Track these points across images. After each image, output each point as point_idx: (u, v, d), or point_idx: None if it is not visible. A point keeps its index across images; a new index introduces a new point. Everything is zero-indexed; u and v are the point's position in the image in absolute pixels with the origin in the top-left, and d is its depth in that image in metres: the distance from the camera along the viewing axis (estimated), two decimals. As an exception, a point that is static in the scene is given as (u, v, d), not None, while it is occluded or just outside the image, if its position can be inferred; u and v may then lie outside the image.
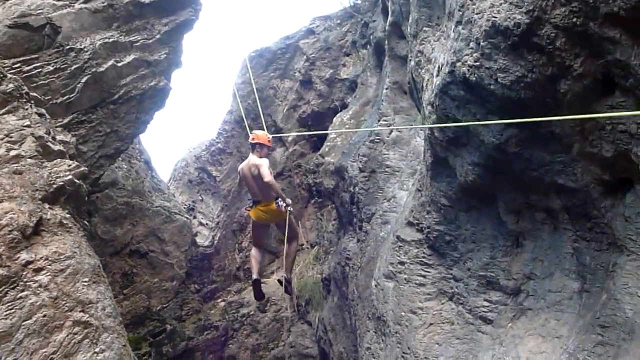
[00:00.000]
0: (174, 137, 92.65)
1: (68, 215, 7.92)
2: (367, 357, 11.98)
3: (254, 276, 13.41)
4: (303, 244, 17.35)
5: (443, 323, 10.17)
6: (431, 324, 10.29)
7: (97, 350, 7.22)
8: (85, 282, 7.43)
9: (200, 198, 25.65)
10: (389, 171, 14.14)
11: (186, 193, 25.71)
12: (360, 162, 14.73)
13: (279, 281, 13.67)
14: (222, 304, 21.30)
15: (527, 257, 9.37)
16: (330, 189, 17.40)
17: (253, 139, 13.64)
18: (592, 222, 8.26)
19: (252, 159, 13.35)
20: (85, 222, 8.53)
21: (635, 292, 7.69)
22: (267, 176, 12.71)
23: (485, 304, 9.70)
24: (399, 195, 13.43)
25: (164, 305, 20.49)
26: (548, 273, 9.07)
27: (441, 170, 10.22)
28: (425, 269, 10.67)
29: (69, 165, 8.76)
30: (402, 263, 11.04)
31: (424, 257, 10.76)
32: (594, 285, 8.33)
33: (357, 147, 15.30)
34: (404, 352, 10.48)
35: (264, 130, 14.64)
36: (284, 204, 12.88)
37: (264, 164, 12.99)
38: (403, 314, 10.67)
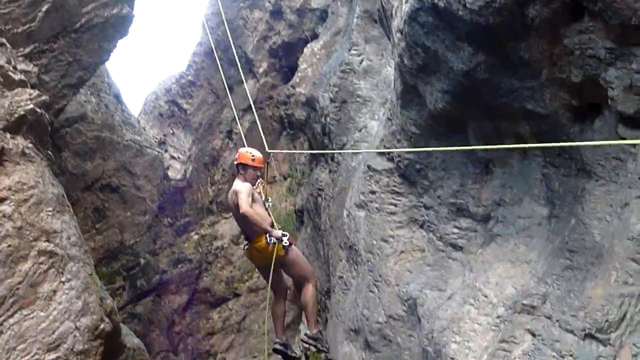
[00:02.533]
0: (144, 71, 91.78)
1: (30, 145, 7.82)
2: (339, 285, 12.06)
3: (275, 340, 11.36)
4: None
5: (414, 250, 10.23)
6: (402, 251, 10.35)
7: (63, 279, 7.20)
8: (50, 211, 7.36)
9: (171, 131, 25.47)
10: (360, 101, 14.06)
11: (157, 127, 25.50)
12: (332, 92, 14.63)
13: (303, 341, 11.50)
14: (196, 237, 21.31)
15: (497, 183, 9.39)
16: (301, 120, 17.34)
17: (236, 159, 11.60)
18: (560, 148, 8.28)
19: (235, 184, 11.30)
20: (49, 152, 8.43)
21: (603, 217, 7.74)
22: (244, 206, 10.57)
23: (455, 231, 9.75)
24: (370, 125, 13.38)
25: (137, 240, 20.48)
26: (517, 199, 9.10)
27: (411, 99, 10.17)
28: (396, 198, 10.68)
29: (31, 95, 8.61)
30: (373, 192, 11.05)
31: (394, 186, 10.76)
32: (563, 210, 8.37)
33: (328, 78, 15.19)
34: (375, 280, 10.55)
35: (255, 147, 12.31)
36: (273, 239, 10.77)
37: (242, 190, 10.85)
38: (374, 242, 10.71)
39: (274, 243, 10.75)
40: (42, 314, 6.97)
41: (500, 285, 8.59)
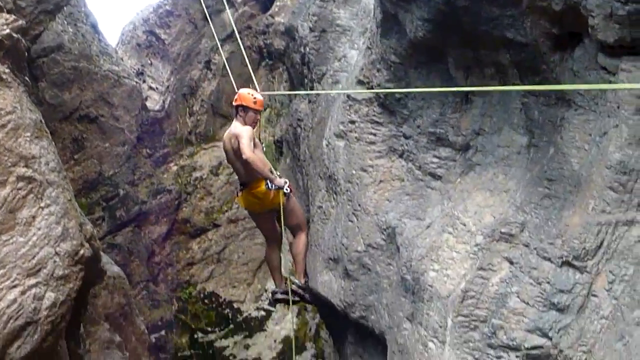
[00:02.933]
0: (121, 1, 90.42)
1: (7, 70, 7.71)
2: (319, 215, 12.09)
3: (272, 288, 11.41)
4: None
5: (393, 180, 10.25)
6: (381, 181, 10.36)
7: (42, 205, 7.19)
8: (28, 137, 7.30)
9: (149, 62, 25.22)
10: (340, 30, 13.92)
11: (135, 57, 25.24)
12: (311, 21, 14.48)
13: (291, 291, 11.22)
14: (175, 168, 21.27)
15: (476, 113, 9.38)
16: (280, 50, 17.23)
17: (235, 100, 11.05)
18: (540, 77, 8.26)
19: (234, 127, 10.86)
20: (26, 79, 8.32)
21: (582, 146, 7.77)
22: (247, 151, 10.26)
23: (435, 160, 9.75)
24: (350, 55, 13.28)
25: (116, 170, 20.42)
26: (497, 128, 9.11)
27: (391, 27, 10.09)
28: (376, 127, 10.66)
29: (7, 20, 8.46)
30: (352, 122, 11.01)
31: (374, 116, 10.73)
32: (542, 139, 8.40)
33: (307, 7, 15.02)
34: (354, 210, 10.58)
35: (249, 87, 12.08)
36: (275, 186, 10.68)
37: (243, 134, 10.48)
38: (354, 172, 10.72)
39: (276, 190, 10.62)
40: (21, 239, 6.97)
41: (479, 214, 8.64)
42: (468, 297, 7.97)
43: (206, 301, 18.97)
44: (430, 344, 8.51)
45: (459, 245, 8.67)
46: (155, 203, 20.16)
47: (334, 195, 11.46)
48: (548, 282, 7.44)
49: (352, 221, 10.55)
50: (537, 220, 7.86)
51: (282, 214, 10.79)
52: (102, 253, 9.82)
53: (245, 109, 10.84)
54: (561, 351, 7.16)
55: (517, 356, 7.44)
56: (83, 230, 7.84)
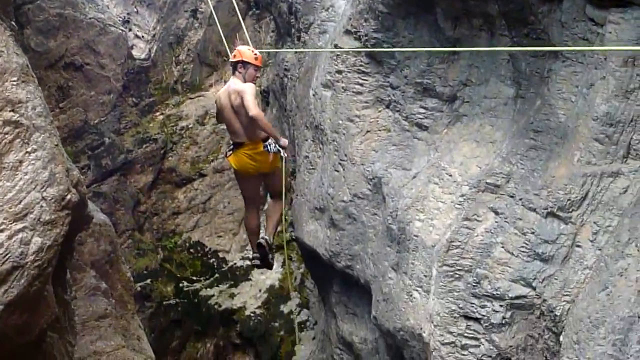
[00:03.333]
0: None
1: (-7, 15, 7.65)
2: (305, 165, 12.10)
3: (253, 255, 10.52)
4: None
5: (380, 130, 10.25)
6: (368, 131, 10.36)
7: (29, 149, 7.15)
8: (14, 81, 7.24)
9: (135, 10, 24.99)
10: (328, -21, 13.82)
11: (120, 5, 24.95)
12: (298, -30, 14.38)
13: (259, 244, 10.39)
14: (161, 117, 21.20)
15: (464, 63, 9.38)
16: (267, -1, 17.08)
17: (234, 56, 10.24)
18: (528, 28, 8.26)
19: (233, 83, 10.07)
20: (12, 23, 8.22)
21: (568, 98, 7.81)
22: (253, 108, 9.55)
23: (422, 110, 9.76)
24: (337, 4, 13.17)
25: (102, 119, 20.36)
26: (484, 79, 9.12)
27: (379, -24, 10.03)
28: (363, 77, 10.61)
29: (-9, -36, 8.37)
30: (339, 72, 10.97)
31: (361, 66, 10.68)
32: (529, 91, 8.42)
33: (295, -45, 14.89)
34: (341, 159, 10.60)
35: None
36: (277, 147, 9.89)
37: (248, 91, 9.77)
38: (340, 122, 10.71)
39: (275, 152, 9.91)
40: (8, 184, 6.94)
41: (465, 165, 8.68)
42: (453, 247, 8.04)
43: (191, 250, 19.03)
44: (415, 293, 8.59)
45: (444, 195, 8.72)
46: (140, 152, 20.11)
47: (321, 145, 11.46)
48: (533, 233, 7.52)
49: (338, 171, 10.57)
50: (522, 171, 7.91)
51: (271, 177, 10.28)
52: (88, 201, 9.81)
53: (246, 65, 10.08)
54: (545, 301, 7.26)
55: (501, 305, 7.53)
56: (70, 175, 7.81)
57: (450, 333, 7.83)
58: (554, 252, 7.33)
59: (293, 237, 15.80)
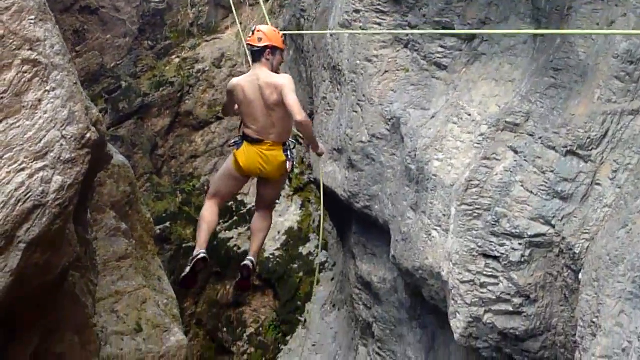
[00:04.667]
0: None
1: (8, -48, 7.59)
2: (323, 106, 12.07)
3: (198, 251, 8.98)
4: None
5: (398, 70, 10.19)
6: (386, 71, 10.30)
7: (47, 88, 7.14)
8: (32, 19, 7.21)
9: (150, -48, 24.81)
10: None
11: (136, -53, 24.79)
12: None
13: (245, 266, 9.17)
14: (177, 60, 21.08)
15: (483, 2, 9.30)
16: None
17: (260, 39, 8.78)
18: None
19: (264, 74, 8.72)
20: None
21: (589, 36, 7.74)
22: (300, 112, 8.46)
23: (440, 50, 9.69)
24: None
25: (118, 62, 20.31)
26: (503, 18, 9.05)
27: None
28: (381, 17, 10.52)
29: None
30: (357, 11, 10.86)
31: (379, 5, 10.57)
32: (549, 29, 8.34)
33: None
34: (359, 100, 10.56)
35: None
36: (294, 154, 9.03)
37: (289, 86, 8.60)
38: (358, 62, 10.65)
39: (292, 160, 8.93)
40: (27, 123, 6.95)
41: (484, 104, 8.65)
42: (472, 186, 8.03)
43: (210, 193, 19.12)
44: (434, 233, 8.62)
45: (463, 135, 8.70)
46: (157, 95, 20.05)
47: (338, 86, 11.42)
48: (552, 171, 7.51)
49: (356, 112, 10.54)
50: (542, 109, 7.87)
51: (271, 186, 9.35)
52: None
53: (274, 50, 8.83)
54: (564, 239, 7.27)
55: (519, 244, 7.54)
56: (89, 114, 7.82)
57: (469, 271, 7.86)
58: (573, 191, 7.33)
59: (311, 179, 15.86)
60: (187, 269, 8.86)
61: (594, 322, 6.23)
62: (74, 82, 7.55)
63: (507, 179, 7.83)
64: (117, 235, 12.01)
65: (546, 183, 7.51)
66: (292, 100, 8.49)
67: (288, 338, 16.69)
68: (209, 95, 20.04)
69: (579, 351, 6.43)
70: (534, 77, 8.21)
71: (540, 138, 7.73)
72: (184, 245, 18.21)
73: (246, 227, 18.13)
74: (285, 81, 8.68)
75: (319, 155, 9.47)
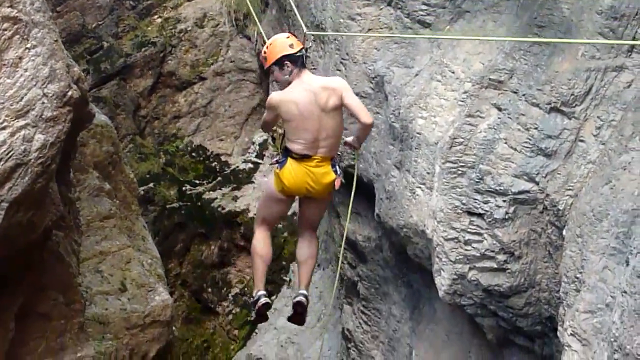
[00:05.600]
0: None
1: None
2: (307, 65, 11.97)
3: (259, 293, 8.46)
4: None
5: (381, 28, 10.10)
6: (370, 29, 10.23)
7: (28, 45, 7.07)
8: (10, -26, 7.18)
9: None
10: None
11: None
12: None
13: (298, 303, 8.46)
14: (159, 20, 20.88)
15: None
16: None
17: (291, 45, 8.34)
18: None
19: (314, 78, 8.47)
20: None
21: (574, -6, 7.71)
22: (367, 113, 8.27)
23: (424, 7, 9.59)
24: None
25: (99, 23, 20.10)
26: (488, -26, 8.99)
27: None
28: (365, -26, 10.43)
29: None
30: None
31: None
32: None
33: None
34: (342, 59, 10.50)
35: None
36: (341, 170, 8.48)
37: (348, 87, 8.34)
38: (341, 20, 10.56)
39: (340, 177, 8.36)
40: (8, 81, 6.91)
41: (468, 61, 8.61)
42: (456, 144, 8.03)
43: (193, 154, 19.02)
44: (418, 191, 8.63)
45: (447, 92, 8.67)
46: (140, 56, 19.88)
47: (322, 45, 11.35)
48: (536, 128, 7.51)
49: (340, 70, 10.48)
50: (526, 66, 7.86)
51: (316, 206, 8.78)
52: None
53: (305, 53, 8.59)
54: (548, 195, 7.29)
55: (504, 201, 7.57)
56: (70, 71, 7.75)
57: (454, 229, 7.88)
58: (557, 147, 7.34)
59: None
60: (253, 316, 8.80)
61: (577, 278, 6.27)
62: (55, 39, 7.48)
63: (491, 136, 7.83)
64: (100, 195, 11.97)
65: (530, 140, 7.51)
66: (357, 102, 8.28)
67: (273, 298, 16.74)
68: (191, 56, 19.90)
69: (563, 307, 6.48)
70: (518, 34, 8.18)
71: (524, 95, 7.72)
72: (167, 206, 18.20)
73: (230, 188, 18.15)
74: (343, 82, 8.42)
75: (356, 149, 9.02)
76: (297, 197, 8.82)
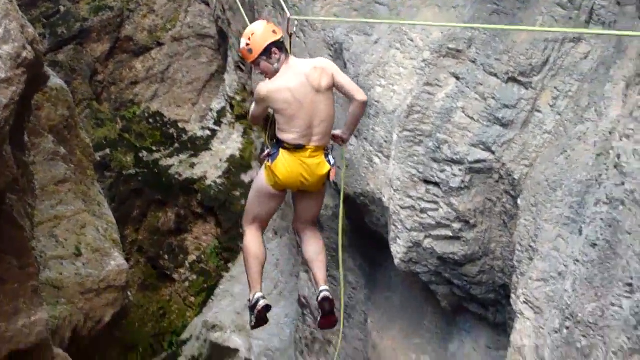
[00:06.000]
0: None
1: None
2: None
3: (257, 295, 8.29)
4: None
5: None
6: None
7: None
8: None
9: None
10: None
11: None
12: None
13: (326, 299, 8.36)
14: (117, -16, 20.67)
15: None
16: None
17: (274, 32, 8.11)
18: None
19: (301, 62, 8.38)
20: None
21: (532, -38, 7.73)
22: (360, 89, 8.20)
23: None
24: None
25: (56, -15, 19.80)
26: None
27: None
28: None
29: None
30: None
31: None
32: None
33: None
34: (302, 26, 10.40)
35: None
36: (334, 159, 8.38)
37: (336, 67, 8.28)
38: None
39: (334, 166, 8.30)
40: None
41: (427, 30, 8.61)
42: (414, 112, 8.05)
43: (151, 120, 18.85)
44: (376, 159, 8.66)
45: (406, 61, 8.67)
46: (97, 20, 19.57)
47: (281, 12, 11.27)
48: (493, 98, 7.55)
49: (299, 37, 10.43)
50: (484, 36, 7.88)
51: (312, 199, 8.69)
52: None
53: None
54: (504, 164, 7.35)
55: (460, 170, 7.61)
56: (25, 32, 7.60)
57: (410, 197, 7.92)
58: (513, 117, 7.39)
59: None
60: (253, 321, 8.35)
61: (531, 247, 6.34)
62: (9, -1, 7.35)
63: (448, 105, 7.86)
64: (55, 159, 11.81)
65: (487, 109, 7.55)
66: (348, 80, 8.22)
67: (230, 265, 16.80)
68: (149, 21, 19.66)
69: (516, 275, 6.56)
70: (477, 4, 8.20)
71: (482, 64, 7.75)
72: (124, 172, 18.07)
73: (188, 155, 18.06)
74: (331, 63, 8.34)
75: (343, 143, 8.69)
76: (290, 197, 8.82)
